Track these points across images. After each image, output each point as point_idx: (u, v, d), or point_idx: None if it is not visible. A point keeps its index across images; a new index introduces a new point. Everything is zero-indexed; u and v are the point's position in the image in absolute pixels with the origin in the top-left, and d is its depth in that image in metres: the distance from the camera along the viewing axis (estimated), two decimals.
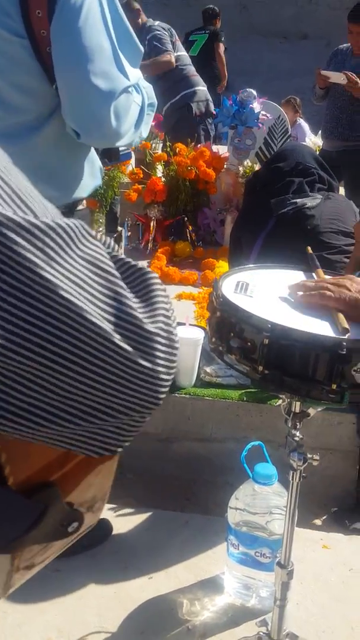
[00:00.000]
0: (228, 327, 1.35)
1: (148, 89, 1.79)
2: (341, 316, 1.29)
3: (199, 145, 4.63)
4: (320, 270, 1.56)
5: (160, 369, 0.53)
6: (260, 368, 1.28)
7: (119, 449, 0.56)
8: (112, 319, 0.49)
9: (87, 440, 0.53)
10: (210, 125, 5.75)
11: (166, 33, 5.55)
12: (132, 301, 0.52)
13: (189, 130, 5.40)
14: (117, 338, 0.49)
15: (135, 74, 1.68)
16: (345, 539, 2.31)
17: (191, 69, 5.67)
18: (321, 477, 2.68)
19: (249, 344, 1.30)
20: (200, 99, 5.65)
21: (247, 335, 1.31)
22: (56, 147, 1.70)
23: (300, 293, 1.37)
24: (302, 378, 1.27)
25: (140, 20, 5.66)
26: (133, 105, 1.67)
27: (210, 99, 5.83)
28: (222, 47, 7.99)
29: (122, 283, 0.52)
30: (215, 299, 1.40)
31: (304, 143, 5.66)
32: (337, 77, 4.44)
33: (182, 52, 5.65)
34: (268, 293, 1.46)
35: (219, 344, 1.38)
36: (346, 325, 1.26)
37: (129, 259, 0.58)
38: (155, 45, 5.45)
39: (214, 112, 5.00)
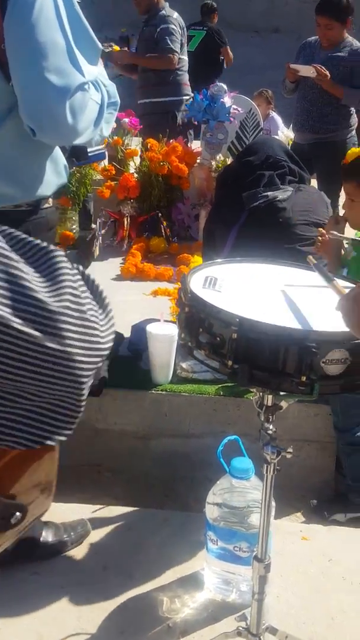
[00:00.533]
0: (197, 322, 1.34)
1: (110, 87, 1.77)
2: None
3: (171, 140, 4.61)
4: (337, 284, 1.43)
5: (72, 349, 0.50)
6: (230, 363, 1.28)
7: (55, 441, 0.54)
8: (9, 302, 0.47)
9: (12, 432, 0.51)
10: (190, 136, 5.67)
11: (179, 32, 5.31)
12: (34, 282, 0.49)
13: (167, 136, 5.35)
14: (17, 322, 0.46)
15: (92, 71, 1.65)
16: (324, 530, 2.32)
17: (186, 76, 5.48)
18: (299, 469, 2.69)
19: (218, 339, 1.29)
20: (186, 109, 5.58)
21: (215, 330, 1.30)
22: (15, 145, 1.67)
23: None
24: (271, 371, 1.26)
25: None
26: (90, 103, 1.64)
27: None
28: (229, 50, 8.30)
29: (19, 265, 0.49)
30: (184, 295, 1.40)
31: (275, 136, 5.68)
32: (307, 71, 4.44)
33: (185, 56, 5.44)
34: (237, 287, 1.46)
35: (188, 340, 1.37)
36: None
37: (33, 239, 0.55)
38: (164, 40, 5.20)
39: (195, 123, 4.93)
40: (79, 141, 1.72)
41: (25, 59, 1.53)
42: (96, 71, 1.70)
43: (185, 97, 5.48)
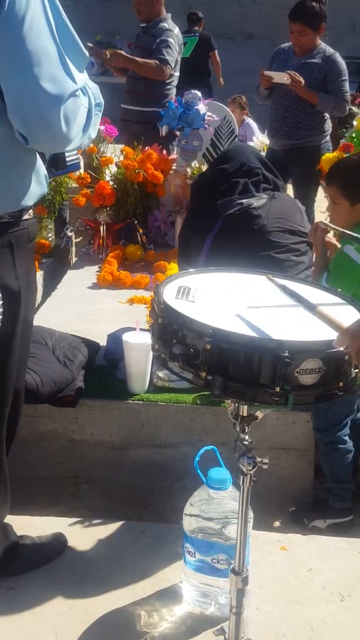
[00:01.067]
0: (170, 333, 1.33)
1: (94, 89, 1.77)
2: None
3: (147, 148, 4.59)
4: (322, 311, 1.39)
5: None
6: (204, 374, 1.26)
7: None
8: None
9: None
10: (172, 147, 5.63)
11: (176, 48, 5.19)
12: None
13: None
14: None
15: (82, 78, 1.65)
16: (303, 539, 2.30)
17: (174, 92, 5.33)
18: (278, 477, 2.68)
19: (192, 350, 1.28)
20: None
21: (189, 341, 1.28)
22: (2, 153, 1.66)
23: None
24: (245, 382, 1.25)
25: (158, 5, 5.25)
26: (81, 109, 1.65)
27: None
28: (216, 54, 9.34)
29: None
30: (157, 305, 1.38)
31: (250, 142, 5.69)
32: (281, 77, 4.46)
33: (177, 73, 5.32)
34: (210, 297, 1.44)
35: (161, 351, 1.36)
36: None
37: None
38: (161, 50, 5.07)
39: (177, 134, 4.89)
40: (70, 147, 1.73)
41: (18, 68, 1.53)
42: (84, 78, 1.71)
43: None
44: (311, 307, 1.38)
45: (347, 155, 4.07)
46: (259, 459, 1.42)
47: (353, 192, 2.30)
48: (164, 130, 4.86)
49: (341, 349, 1.24)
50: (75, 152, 1.93)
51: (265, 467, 1.43)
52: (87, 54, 1.72)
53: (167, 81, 5.18)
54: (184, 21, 10.87)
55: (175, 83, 5.35)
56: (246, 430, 1.44)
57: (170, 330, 1.32)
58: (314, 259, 2.65)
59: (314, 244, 2.52)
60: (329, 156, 4.44)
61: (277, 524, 2.59)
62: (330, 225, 2.26)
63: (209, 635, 1.81)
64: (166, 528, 2.31)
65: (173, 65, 5.11)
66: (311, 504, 2.68)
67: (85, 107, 1.69)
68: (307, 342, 1.26)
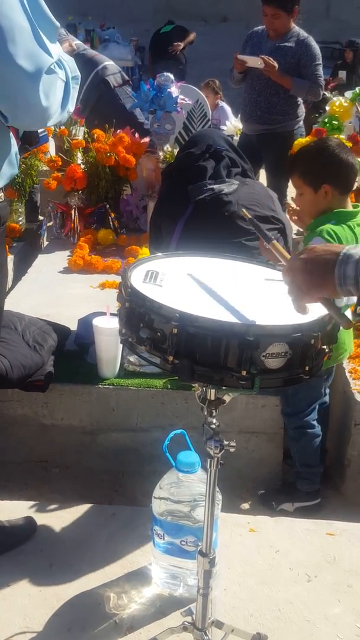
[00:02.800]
0: (137, 317, 1.32)
1: (70, 62, 1.74)
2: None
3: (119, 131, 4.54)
4: (275, 244, 1.42)
5: None
6: (171, 358, 1.27)
7: None
8: None
9: None
10: (130, 92, 5.63)
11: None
12: None
13: (112, 104, 5.28)
14: None
15: (55, 49, 1.62)
16: (272, 521, 2.33)
17: (91, 51, 5.53)
18: (247, 461, 2.70)
19: (159, 334, 1.28)
20: (113, 72, 5.54)
21: (156, 326, 1.28)
22: None
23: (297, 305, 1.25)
24: (212, 366, 1.26)
25: None
26: (59, 82, 1.62)
27: (121, 70, 5.77)
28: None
29: None
30: (124, 289, 1.37)
31: (223, 127, 5.68)
32: (254, 62, 4.44)
33: (77, 40, 5.48)
34: (178, 282, 1.44)
35: (128, 335, 1.36)
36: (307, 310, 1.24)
37: None
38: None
39: (129, 80, 4.90)
40: (50, 123, 1.70)
41: None
42: (58, 49, 1.67)
43: (105, 64, 5.52)
44: (268, 239, 1.43)
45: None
46: (226, 442, 1.43)
47: (314, 177, 2.29)
48: (114, 81, 4.90)
49: (298, 320, 1.27)
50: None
51: (232, 450, 1.44)
52: (56, 22, 1.68)
53: (76, 51, 5.39)
54: (163, 3, 11.00)
55: (82, 46, 5.62)
56: (214, 414, 1.44)
57: (138, 315, 1.32)
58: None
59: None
60: (301, 141, 4.46)
61: (246, 506, 2.62)
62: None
63: (177, 616, 1.83)
64: (136, 511, 2.32)
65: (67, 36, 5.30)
66: (280, 487, 2.71)
67: (63, 80, 1.66)
68: (273, 327, 1.27)
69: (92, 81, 5.32)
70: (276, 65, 4.40)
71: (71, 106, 1.76)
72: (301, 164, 2.37)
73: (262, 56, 4.41)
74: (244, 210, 1.58)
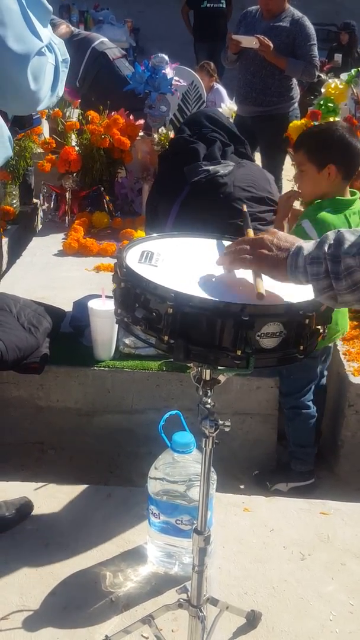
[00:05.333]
0: (132, 298, 1.32)
1: (60, 45, 1.72)
2: (259, 281, 1.27)
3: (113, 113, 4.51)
4: (250, 230, 1.49)
5: None
6: (166, 338, 1.27)
7: None
8: None
9: None
10: (127, 62, 5.62)
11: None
12: None
13: (112, 76, 5.27)
14: None
15: (46, 34, 1.61)
16: (266, 501, 2.35)
17: (83, 32, 5.53)
18: (242, 442, 2.72)
19: (154, 314, 1.28)
20: (110, 46, 5.54)
21: (151, 306, 1.28)
22: None
23: (223, 258, 1.34)
24: (207, 345, 1.26)
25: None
26: (48, 66, 1.61)
27: (116, 46, 5.79)
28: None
29: None
30: (119, 270, 1.37)
31: (219, 109, 5.64)
32: (249, 42, 4.41)
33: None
34: (173, 262, 1.44)
35: (124, 315, 1.36)
36: (261, 291, 1.25)
37: None
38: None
39: (126, 53, 4.94)
40: (40, 107, 1.69)
41: None
42: (49, 33, 1.66)
43: (101, 39, 5.63)
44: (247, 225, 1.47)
45: (315, 123, 4.08)
46: (220, 422, 1.43)
47: (320, 155, 2.29)
48: (111, 54, 4.92)
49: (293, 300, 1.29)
50: None
51: (227, 429, 1.45)
52: (49, 7, 1.67)
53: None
54: None
55: (77, 28, 5.74)
56: (209, 394, 1.45)
57: (133, 295, 1.32)
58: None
59: (279, 209, 2.52)
60: (296, 123, 4.43)
61: (241, 487, 2.64)
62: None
63: (173, 594, 1.85)
64: (131, 491, 2.34)
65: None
66: (274, 467, 2.74)
67: (52, 64, 1.64)
68: (268, 306, 1.27)
69: (91, 56, 5.30)
70: (271, 45, 4.37)
71: (60, 90, 1.74)
72: (309, 141, 2.36)
73: (257, 36, 4.38)
74: (244, 206, 1.57)
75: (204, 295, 1.28)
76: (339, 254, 1.15)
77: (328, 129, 2.41)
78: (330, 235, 1.19)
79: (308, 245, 1.22)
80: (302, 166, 2.37)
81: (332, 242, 1.17)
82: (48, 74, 1.62)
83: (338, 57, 9.36)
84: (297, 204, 2.65)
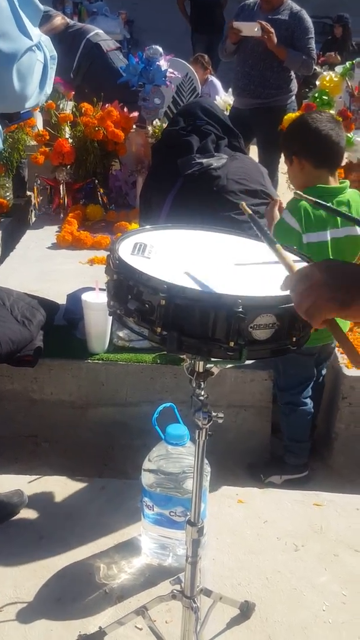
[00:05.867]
0: (125, 289, 1.32)
1: (47, 42, 1.71)
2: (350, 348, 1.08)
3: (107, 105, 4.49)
4: (279, 247, 1.27)
5: None
6: (159, 329, 1.27)
7: None
8: None
9: None
10: (122, 57, 5.60)
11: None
12: None
13: (106, 68, 5.26)
14: None
15: (37, 33, 1.59)
16: (260, 492, 2.36)
17: (78, 24, 5.54)
18: (236, 434, 2.72)
19: (147, 305, 1.28)
20: (104, 38, 5.53)
21: (144, 297, 1.28)
22: None
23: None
24: (200, 337, 1.26)
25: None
26: (37, 64, 1.59)
27: (110, 38, 5.79)
28: None
29: None
30: (112, 262, 1.37)
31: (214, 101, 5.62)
32: (251, 29, 4.37)
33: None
34: (166, 254, 1.44)
35: (117, 307, 1.35)
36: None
37: None
38: (42, 15, 5.23)
39: (120, 46, 4.95)
40: (28, 105, 1.67)
41: None
42: (39, 32, 1.64)
43: (96, 31, 5.57)
44: (272, 243, 1.29)
45: None
46: (214, 414, 1.44)
47: (286, 149, 2.30)
48: (105, 45, 4.95)
49: (287, 292, 1.14)
50: None
51: (220, 421, 1.45)
52: (41, 7, 1.66)
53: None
54: None
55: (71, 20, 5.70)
56: (202, 386, 1.45)
57: (126, 287, 1.32)
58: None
59: (267, 222, 2.50)
60: (291, 116, 4.42)
61: (234, 479, 2.64)
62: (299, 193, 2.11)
63: (166, 585, 1.86)
64: (125, 484, 2.35)
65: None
66: (268, 460, 2.74)
67: (41, 62, 1.63)
68: (261, 298, 1.27)
69: (85, 47, 5.28)
70: (273, 31, 4.35)
71: (49, 88, 1.73)
72: (283, 137, 2.38)
73: (260, 21, 4.35)
74: (244, 204, 1.53)
75: (197, 287, 1.28)
76: None
77: (295, 122, 2.42)
78: None
79: None
80: (285, 162, 2.39)
81: None
82: (36, 72, 1.61)
83: (330, 55, 9.31)
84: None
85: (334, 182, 2.29)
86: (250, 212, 1.46)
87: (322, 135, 2.24)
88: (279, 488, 2.50)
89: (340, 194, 2.28)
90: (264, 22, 4.35)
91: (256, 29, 4.33)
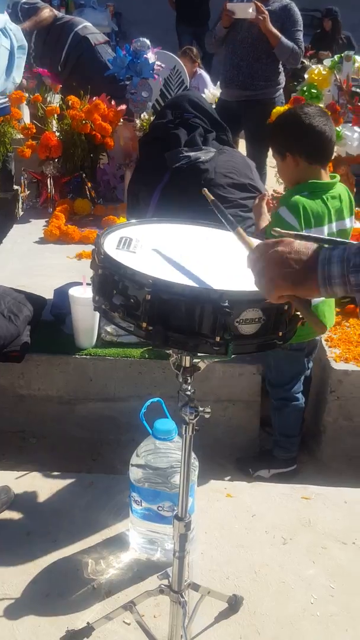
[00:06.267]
0: (111, 284, 1.31)
1: (16, 31, 1.69)
2: (311, 313, 1.20)
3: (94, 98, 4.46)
4: (240, 229, 1.35)
5: None
6: (144, 324, 1.26)
7: None
8: None
9: None
10: (110, 51, 5.57)
11: None
12: None
13: (94, 62, 5.22)
14: None
15: (3, 19, 1.57)
16: (248, 486, 2.37)
17: (66, 16, 5.51)
18: (225, 429, 2.73)
19: (132, 300, 1.27)
20: (92, 32, 5.50)
21: (130, 292, 1.27)
22: None
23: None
24: (186, 332, 1.25)
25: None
26: (1, 50, 1.57)
27: (98, 31, 5.76)
28: None
29: None
30: (97, 256, 1.36)
31: (202, 94, 5.60)
32: (244, 10, 4.33)
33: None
34: (151, 248, 1.43)
35: (102, 302, 1.34)
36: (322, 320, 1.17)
37: None
38: (30, 7, 5.22)
39: (109, 39, 4.93)
40: None
41: None
42: (5, 18, 1.62)
43: (84, 24, 5.56)
44: (233, 226, 1.35)
45: None
46: (201, 409, 1.43)
47: (278, 145, 2.27)
48: (93, 39, 4.94)
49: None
50: (5, 96, 1.86)
51: (207, 416, 1.45)
52: None
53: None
54: None
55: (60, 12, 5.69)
56: (189, 381, 1.44)
57: (111, 281, 1.31)
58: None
59: (255, 216, 2.48)
60: (279, 109, 4.41)
61: (223, 473, 2.64)
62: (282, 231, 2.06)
63: (154, 580, 1.85)
64: (114, 479, 2.34)
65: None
66: (257, 453, 2.74)
67: (7, 48, 1.61)
68: (247, 292, 1.26)
69: (73, 40, 5.25)
70: (267, 13, 4.33)
71: (17, 77, 1.71)
72: (271, 132, 2.36)
73: (255, 1, 4.32)
74: (206, 190, 1.52)
75: (182, 281, 1.27)
76: None
77: (284, 116, 2.38)
78: None
79: (337, 252, 1.06)
80: (273, 157, 2.36)
81: None
82: (2, 58, 1.58)
83: (323, 53, 9.26)
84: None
85: (326, 177, 2.29)
86: (212, 197, 1.47)
87: (317, 132, 2.21)
88: (267, 482, 2.50)
89: (332, 188, 2.28)
90: (259, 3, 4.32)
91: (250, 10, 4.29)
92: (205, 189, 1.52)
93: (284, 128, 2.28)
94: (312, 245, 1.11)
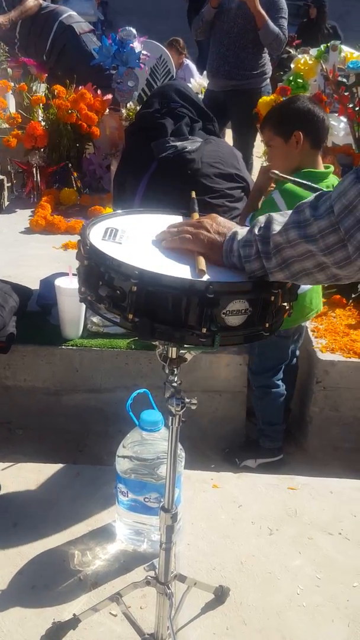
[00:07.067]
0: (96, 276, 1.30)
1: None
2: (200, 259, 1.28)
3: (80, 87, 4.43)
4: (195, 214, 1.50)
5: None
6: (130, 316, 1.25)
7: None
8: None
9: None
10: (95, 40, 5.54)
11: None
12: None
13: (79, 51, 5.19)
14: None
15: None
16: (235, 477, 2.37)
17: (52, 5, 5.48)
18: (211, 419, 2.73)
19: (118, 292, 1.26)
20: (77, 20, 5.45)
21: (116, 283, 1.26)
22: None
23: (164, 238, 1.35)
24: (172, 324, 1.24)
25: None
26: None
27: (83, 20, 5.72)
28: None
29: None
30: (83, 247, 1.35)
31: (189, 84, 5.57)
32: None
33: None
34: (138, 239, 1.42)
35: (87, 294, 1.33)
36: (203, 267, 1.25)
37: None
38: None
39: (94, 28, 4.91)
40: None
41: None
42: None
43: (69, 13, 5.50)
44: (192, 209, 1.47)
45: (284, 98, 4.05)
46: (187, 400, 1.43)
47: (285, 124, 2.28)
48: (78, 28, 4.93)
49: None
50: None
51: (193, 407, 1.44)
52: None
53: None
54: None
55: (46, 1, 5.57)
56: (175, 372, 1.44)
57: (97, 273, 1.29)
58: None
59: (258, 177, 2.49)
60: (265, 99, 4.40)
61: (210, 464, 2.64)
62: (282, 175, 2.12)
63: (141, 572, 1.85)
64: (100, 470, 2.34)
65: None
66: (243, 443, 2.75)
67: None
68: (233, 284, 1.26)
69: (58, 29, 5.20)
70: None
71: None
72: (273, 115, 2.37)
73: None
74: (193, 193, 1.57)
75: (169, 272, 1.26)
76: (268, 234, 1.19)
77: (290, 100, 2.43)
78: (262, 219, 1.22)
79: (243, 231, 1.26)
80: (270, 141, 2.35)
81: (262, 224, 1.21)
82: None
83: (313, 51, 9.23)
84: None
85: (321, 165, 2.32)
86: (194, 196, 1.55)
87: (320, 116, 2.30)
88: (254, 472, 2.51)
89: (326, 178, 2.30)
90: None
91: None
92: (194, 192, 1.55)
93: (294, 107, 2.31)
94: (230, 224, 1.31)
